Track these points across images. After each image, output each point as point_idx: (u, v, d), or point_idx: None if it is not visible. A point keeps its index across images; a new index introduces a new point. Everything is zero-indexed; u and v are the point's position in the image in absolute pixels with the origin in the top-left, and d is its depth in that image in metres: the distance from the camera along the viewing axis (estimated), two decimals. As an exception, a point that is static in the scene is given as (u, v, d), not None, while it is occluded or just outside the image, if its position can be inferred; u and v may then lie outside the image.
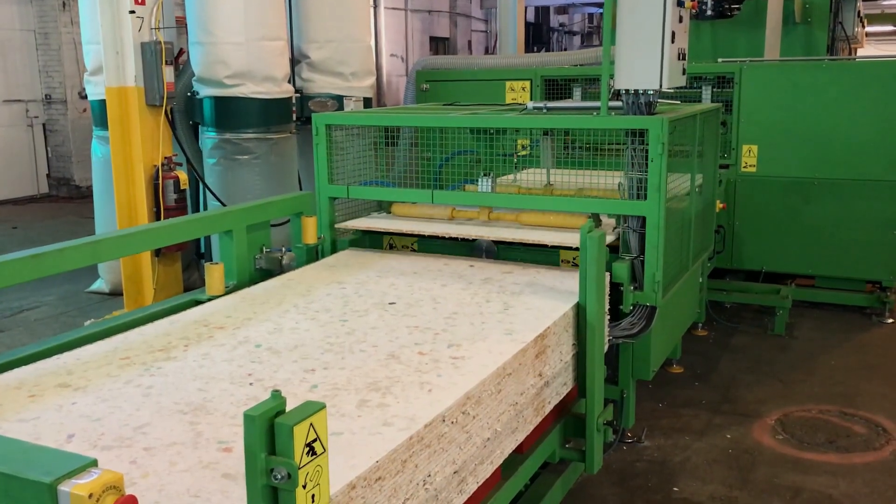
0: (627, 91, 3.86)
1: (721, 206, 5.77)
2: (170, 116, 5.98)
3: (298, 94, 7.00)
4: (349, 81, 7.22)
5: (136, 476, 1.98)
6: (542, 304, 3.36)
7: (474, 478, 2.63)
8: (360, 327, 3.11)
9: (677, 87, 4.04)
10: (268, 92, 6.37)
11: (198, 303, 3.54)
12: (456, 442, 2.47)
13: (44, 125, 13.57)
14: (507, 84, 7.39)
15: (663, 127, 3.70)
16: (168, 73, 5.76)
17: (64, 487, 1.26)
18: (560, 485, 3.59)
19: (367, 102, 7.42)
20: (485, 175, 4.33)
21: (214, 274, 3.62)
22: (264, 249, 4.05)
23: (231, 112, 6.31)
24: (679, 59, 3.95)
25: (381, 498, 2.09)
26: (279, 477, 1.58)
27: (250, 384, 2.58)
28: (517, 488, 3.20)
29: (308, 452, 1.61)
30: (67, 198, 13.41)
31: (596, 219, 4.07)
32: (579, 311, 3.41)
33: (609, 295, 3.85)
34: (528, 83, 7.31)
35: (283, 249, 4.07)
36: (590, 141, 4.83)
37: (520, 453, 3.28)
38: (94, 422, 2.29)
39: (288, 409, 1.63)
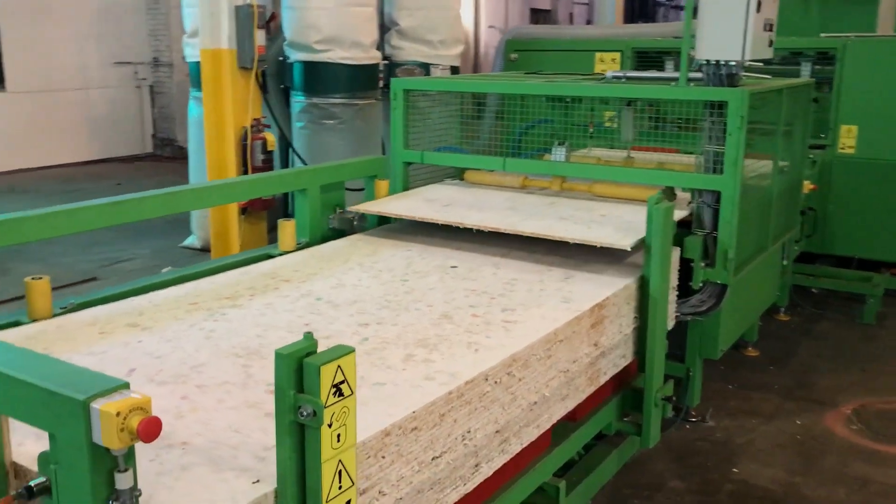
0: (708, 62, 3.75)
1: (811, 187, 5.54)
2: (260, 79, 6.15)
3: (387, 62, 7.08)
4: (437, 49, 7.25)
5: (185, 410, 2.09)
6: (605, 275, 3.33)
7: (518, 440, 2.66)
8: (418, 287, 3.16)
9: (764, 60, 3.90)
10: (355, 58, 6.47)
11: (270, 257, 3.67)
12: (499, 402, 2.50)
13: (151, 87, 14.15)
14: (597, 55, 7.26)
15: (743, 100, 3.59)
16: (259, 37, 5.92)
17: (95, 405, 1.36)
18: (615, 456, 3.57)
19: (455, 71, 7.43)
20: (559, 144, 4.29)
21: (286, 230, 3.74)
22: (338, 210, 4.14)
23: (319, 77, 6.44)
24: (765, 29, 3.81)
25: (416, 448, 2.14)
26: (305, 414, 1.64)
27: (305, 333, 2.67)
28: (568, 455, 3.20)
29: (335, 393, 1.67)
30: (171, 157, 13.97)
31: (670, 192, 3.99)
32: (643, 283, 3.37)
33: (679, 270, 3.79)
34: (618, 55, 7.17)
35: (356, 213, 4.16)
36: (673, 114, 4.72)
37: (573, 421, 3.29)
38: (156, 359, 2.43)
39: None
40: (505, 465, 2.77)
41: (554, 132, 4.60)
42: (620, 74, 4.30)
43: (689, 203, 3.93)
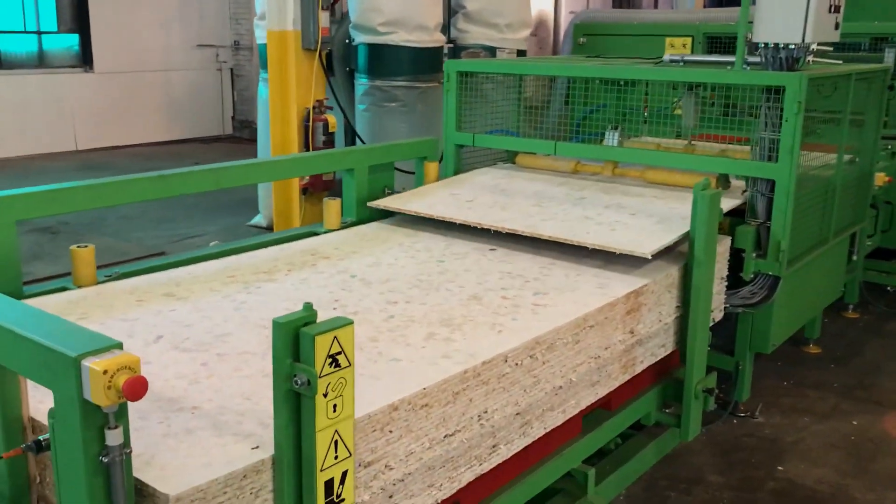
0: (766, 45, 3.61)
1: (887, 179, 5.28)
2: (324, 61, 6.22)
3: (452, 45, 7.06)
4: (503, 33, 7.20)
5: (202, 375, 2.15)
6: (647, 262, 3.24)
7: (542, 423, 2.63)
8: (453, 269, 3.16)
9: (829, 44, 3.74)
10: (419, 41, 6.48)
11: (314, 234, 3.72)
12: (520, 384, 2.48)
13: (231, 70, 14.49)
14: (668, 40, 7.08)
15: (801, 85, 3.45)
16: (324, 19, 5.99)
17: (86, 362, 1.40)
18: (653, 447, 3.50)
19: (521, 55, 7.36)
20: (613, 128, 4.21)
21: (331, 209, 3.79)
22: (386, 191, 4.16)
23: (382, 59, 6.48)
24: (830, 11, 3.65)
25: (427, 424, 2.15)
26: (300, 383, 1.66)
27: (333, 308, 2.70)
28: (599, 443, 3.15)
29: (331, 364, 1.69)
30: (249, 139, 14.28)
31: (724, 180, 3.87)
32: (686, 272, 3.28)
33: (730, 260, 3.68)
34: (689, 40, 6.98)
35: (404, 189, 4.18)
36: (735, 101, 4.57)
37: (607, 409, 3.24)
38: (184, 327, 2.50)
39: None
40: (530, 448, 2.76)
41: (616, 117, 4.52)
42: (678, 58, 4.18)
43: (744, 192, 3.81)
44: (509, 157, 4.59)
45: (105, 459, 1.44)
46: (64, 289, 2.86)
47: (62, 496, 1.53)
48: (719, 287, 3.65)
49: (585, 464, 3.05)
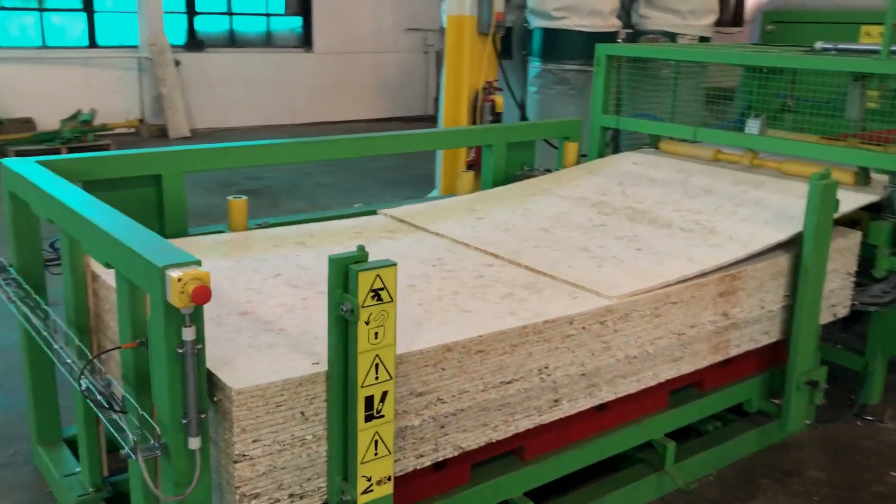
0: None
1: None
2: (497, 44, 6.50)
3: (631, 31, 7.09)
4: (685, 19, 7.11)
5: (299, 307, 2.53)
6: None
7: (611, 388, 2.79)
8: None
9: None
10: (593, 25, 6.59)
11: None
12: (587, 347, 2.66)
13: (437, 53, 15.15)
14: (863, 28, 6.67)
15: (947, 76, 3.28)
16: (498, 3, 6.27)
17: (168, 272, 1.80)
18: (755, 435, 3.51)
19: (705, 41, 7.24)
20: (755, 117, 4.16)
21: (465, 181, 4.09)
22: (525, 168, 4.40)
23: (555, 43, 6.66)
24: None
25: (482, 368, 2.40)
26: (345, 310, 1.99)
27: (433, 265, 3.01)
28: (686, 419, 3.25)
29: (373, 297, 1.99)
30: (448, 120, 14.93)
31: (864, 174, 3.74)
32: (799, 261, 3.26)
33: (862, 257, 3.58)
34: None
35: (541, 168, 4.39)
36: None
37: (700, 389, 3.31)
38: (302, 269, 2.91)
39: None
40: (606, 412, 2.93)
41: (786, 108, 4.44)
42: (830, 46, 4.05)
43: (886, 187, 3.66)
44: (653, 142, 4.65)
45: (181, 351, 1.84)
46: (220, 232, 3.39)
47: (154, 380, 1.96)
48: (845, 282, 3.56)
49: (669, 438, 3.15)
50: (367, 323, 2.00)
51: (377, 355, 2.04)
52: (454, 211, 3.72)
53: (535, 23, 6.77)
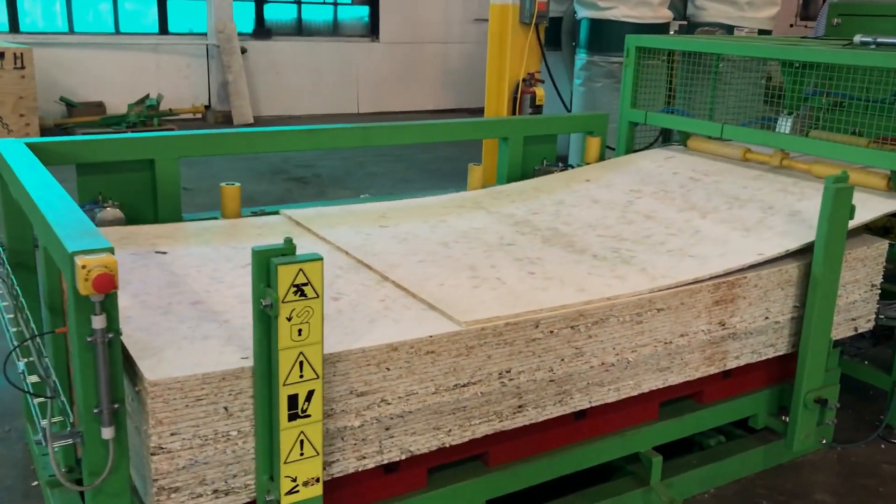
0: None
1: None
2: (540, 35, 6.35)
3: (685, 22, 6.82)
4: (743, 11, 6.81)
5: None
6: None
7: (585, 396, 2.65)
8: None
9: None
10: (641, 16, 6.36)
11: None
12: (555, 352, 2.52)
13: (505, 44, 15.00)
14: (938, 23, 6.24)
15: None
16: (542, -6, 6.12)
17: (76, 257, 1.76)
18: (760, 453, 3.30)
19: (764, 35, 6.90)
20: (788, 114, 3.92)
21: (474, 174, 3.98)
22: (545, 162, 4.25)
23: (602, 34, 6.46)
24: None
25: (433, 370, 2.30)
26: (264, 304, 1.92)
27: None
28: (678, 433, 3.07)
29: (296, 292, 1.92)
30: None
31: (897, 178, 3.46)
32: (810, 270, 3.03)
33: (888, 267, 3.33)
34: (964, 23, 6.09)
35: (560, 165, 4.24)
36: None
37: (697, 401, 3.13)
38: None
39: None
40: (586, 421, 2.79)
41: (827, 106, 4.18)
42: (870, 39, 3.76)
43: (922, 193, 3.38)
44: (682, 139, 4.44)
45: (89, 339, 1.81)
46: (215, 217, 3.37)
47: (75, 367, 1.93)
48: (868, 294, 3.32)
49: (660, 451, 2.99)
50: (290, 319, 1.93)
51: (301, 353, 1.97)
52: (363, 217, 3.39)
53: (582, 13, 6.58)
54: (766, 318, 3.02)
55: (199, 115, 11.89)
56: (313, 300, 1.95)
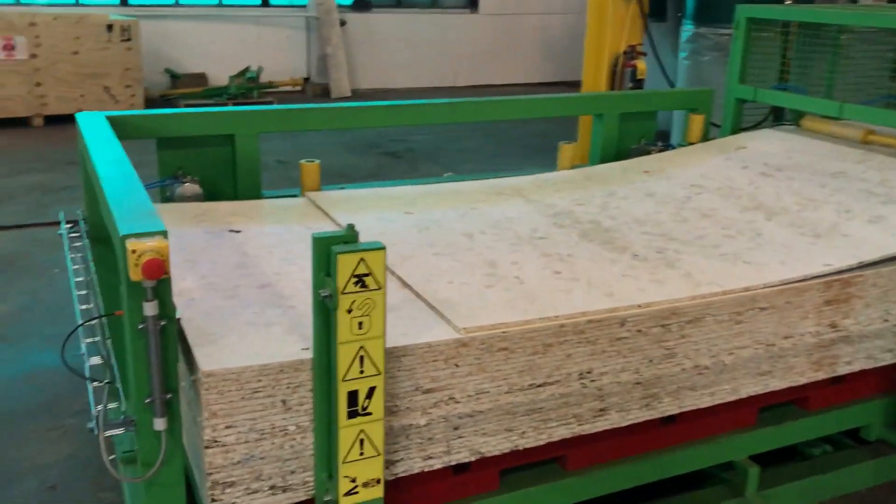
0: None
1: None
2: (643, 6, 6.00)
3: (804, -10, 6.33)
4: (870, -22, 6.26)
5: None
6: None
7: (674, 401, 2.44)
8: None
9: None
10: (754, -15, 5.92)
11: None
12: (643, 353, 2.32)
13: (608, 15, 14.50)
14: None
15: None
16: (645, -39, 5.77)
17: (128, 241, 1.67)
18: (872, 467, 3.01)
19: None
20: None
21: (565, 153, 3.76)
22: (643, 141, 3.99)
23: (710, 4, 6.07)
24: None
25: (507, 368, 2.14)
26: (323, 295, 1.79)
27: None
28: (779, 441, 2.82)
29: (356, 283, 1.78)
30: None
31: None
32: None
33: None
34: None
35: (659, 144, 3.97)
36: None
37: (803, 408, 2.86)
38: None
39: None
40: (675, 427, 2.58)
41: None
42: None
43: None
44: (795, 119, 4.09)
45: (140, 326, 1.72)
46: (294, 195, 3.29)
47: (128, 354, 1.85)
48: None
49: (757, 461, 2.75)
50: (350, 311, 1.80)
51: (362, 347, 1.84)
52: (391, 202, 3.17)
53: (690, -19, 6.19)
54: (886, 320, 2.71)
55: (298, 88, 11.98)
56: (375, 292, 1.81)
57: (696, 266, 2.58)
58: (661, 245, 2.76)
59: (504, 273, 2.48)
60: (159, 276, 1.66)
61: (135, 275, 1.65)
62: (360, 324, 1.82)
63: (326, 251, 1.79)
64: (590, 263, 2.58)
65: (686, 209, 3.14)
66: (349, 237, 1.81)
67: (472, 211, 3.08)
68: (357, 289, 1.79)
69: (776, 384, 2.60)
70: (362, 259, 1.78)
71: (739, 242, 2.79)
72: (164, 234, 1.72)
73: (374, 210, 3.06)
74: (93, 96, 9.44)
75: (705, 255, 2.67)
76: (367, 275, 1.79)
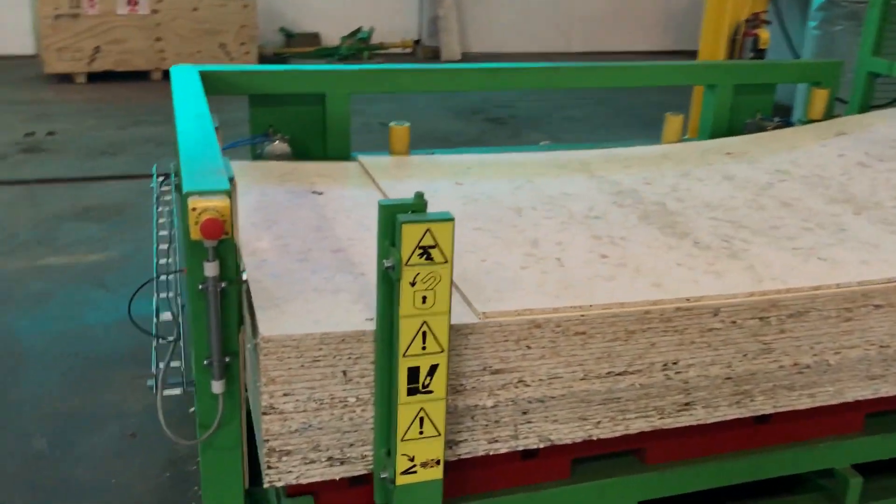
0: None
1: None
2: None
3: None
4: None
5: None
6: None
7: (769, 400, 2.25)
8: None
9: None
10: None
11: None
12: (736, 346, 2.14)
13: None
14: None
15: None
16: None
17: (190, 199, 1.62)
18: None
19: None
20: None
21: (671, 125, 3.54)
22: (758, 116, 3.72)
23: (847, -32, 5.59)
24: None
25: (583, 354, 2.01)
26: (387, 265, 1.70)
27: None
28: (888, 452, 2.56)
29: (421, 255, 1.68)
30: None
31: None
32: None
33: None
34: None
35: (776, 120, 3.69)
36: None
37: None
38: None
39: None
40: (768, 428, 2.39)
41: None
42: None
43: None
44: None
45: (200, 287, 1.68)
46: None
47: (190, 314, 1.82)
48: None
49: (856, 470, 2.52)
50: (413, 284, 1.70)
51: (425, 322, 1.74)
52: (445, 171, 3.03)
53: (826, -56, 5.72)
54: None
55: (409, 50, 11.92)
56: (441, 265, 1.71)
57: (763, 259, 2.33)
58: (728, 233, 2.52)
59: (545, 253, 2.30)
60: (219, 237, 1.60)
61: (194, 233, 1.61)
62: (424, 298, 1.72)
63: (392, 219, 1.70)
64: (643, 249, 2.37)
65: (765, 196, 2.86)
66: (417, 206, 1.71)
67: (527, 184, 2.89)
68: (422, 261, 1.69)
69: (888, 389, 2.36)
70: (428, 230, 1.67)
71: (818, 236, 2.52)
72: (228, 193, 1.66)
73: (423, 178, 2.94)
74: (209, 52, 9.65)
75: (777, 248, 2.42)
76: (432, 247, 1.69)
